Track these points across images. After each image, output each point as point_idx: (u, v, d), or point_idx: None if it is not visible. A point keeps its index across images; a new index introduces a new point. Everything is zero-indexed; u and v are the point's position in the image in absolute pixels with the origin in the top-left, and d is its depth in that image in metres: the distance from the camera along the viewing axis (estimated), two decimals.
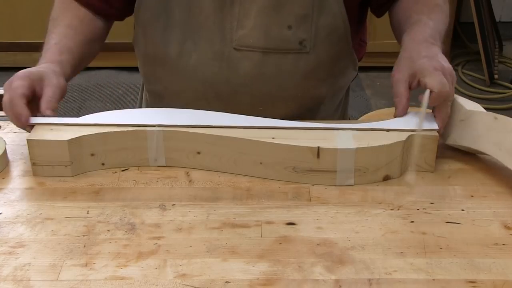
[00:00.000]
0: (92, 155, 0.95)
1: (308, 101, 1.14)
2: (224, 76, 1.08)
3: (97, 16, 1.12)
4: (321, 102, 1.17)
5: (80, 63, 1.09)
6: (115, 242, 0.82)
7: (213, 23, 1.05)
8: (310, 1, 1.03)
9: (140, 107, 1.27)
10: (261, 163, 0.94)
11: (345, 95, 1.27)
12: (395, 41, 1.09)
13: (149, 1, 1.08)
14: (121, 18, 1.17)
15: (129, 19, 1.17)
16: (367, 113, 1.76)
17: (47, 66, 1.01)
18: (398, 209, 0.88)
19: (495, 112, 0.97)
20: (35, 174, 0.95)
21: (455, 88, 0.97)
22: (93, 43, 1.12)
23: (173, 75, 1.12)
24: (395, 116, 0.96)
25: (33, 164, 0.94)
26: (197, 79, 1.10)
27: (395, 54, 1.01)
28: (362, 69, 3.04)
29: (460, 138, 0.97)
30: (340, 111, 1.27)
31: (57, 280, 0.75)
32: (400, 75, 0.95)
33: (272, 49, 1.06)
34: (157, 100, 1.21)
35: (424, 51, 0.97)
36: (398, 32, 1.09)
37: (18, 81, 0.95)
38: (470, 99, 1.01)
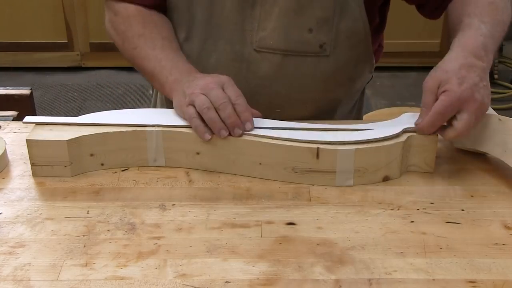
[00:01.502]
0: (92, 155, 0.95)
1: (326, 103, 1.14)
2: (243, 77, 1.08)
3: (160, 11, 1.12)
4: (338, 104, 1.17)
5: None
6: (115, 242, 0.82)
7: (234, 24, 1.06)
8: (331, 4, 1.03)
9: (155, 105, 1.26)
10: (260, 163, 0.94)
11: (360, 96, 1.27)
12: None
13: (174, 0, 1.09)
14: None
15: None
16: (367, 113, 1.76)
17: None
18: (398, 209, 0.88)
19: (495, 112, 0.97)
20: (34, 174, 0.95)
21: None
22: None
23: None
24: (415, 124, 0.93)
25: (33, 164, 0.94)
26: None
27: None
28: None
29: (467, 140, 0.98)
30: (355, 112, 1.27)
31: (57, 280, 0.75)
32: (431, 85, 0.91)
33: (292, 51, 1.06)
34: (165, 99, 1.21)
35: (464, 70, 0.90)
36: (451, 37, 1.03)
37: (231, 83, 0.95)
38: None
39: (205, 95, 0.92)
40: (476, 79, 0.89)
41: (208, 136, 0.92)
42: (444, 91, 0.89)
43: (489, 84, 0.92)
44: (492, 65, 3.20)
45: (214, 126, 0.92)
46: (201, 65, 1.09)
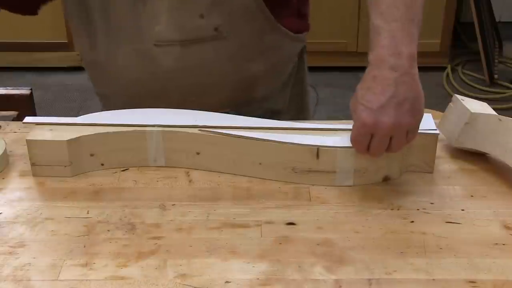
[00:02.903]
0: (92, 155, 0.95)
1: (241, 83, 1.13)
2: (149, 73, 1.08)
3: None
4: (259, 80, 1.15)
5: None
6: (115, 242, 0.82)
7: (130, 22, 1.05)
8: None
9: None
10: (260, 163, 0.94)
11: (297, 68, 1.24)
12: None
13: (72, 8, 1.09)
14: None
15: None
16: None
17: None
18: (398, 209, 0.88)
19: (494, 112, 0.97)
20: (34, 174, 0.95)
21: (456, 88, 0.95)
22: None
23: (106, 77, 1.14)
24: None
25: (33, 164, 0.94)
26: (126, 80, 1.11)
27: None
28: (351, 69, 3.08)
29: (466, 140, 0.97)
30: (293, 86, 1.23)
31: (57, 280, 0.75)
32: (351, 109, 0.88)
33: (190, 40, 1.05)
34: (103, 101, 1.23)
35: (370, 93, 0.85)
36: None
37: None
38: None
39: (390, 132, 0.85)
40: (381, 99, 0.83)
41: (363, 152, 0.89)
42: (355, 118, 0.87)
43: (412, 92, 0.84)
44: (492, 65, 3.18)
45: (374, 151, 0.88)
46: (110, 68, 1.10)
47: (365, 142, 0.86)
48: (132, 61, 1.08)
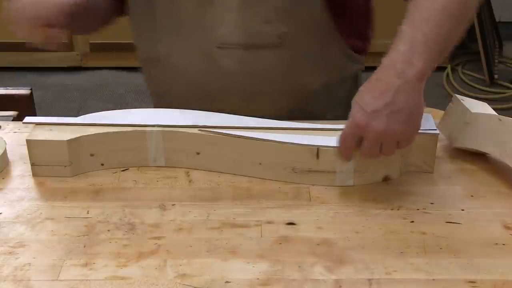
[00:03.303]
0: (92, 155, 0.95)
1: (297, 94, 1.13)
2: (210, 74, 1.08)
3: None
4: (313, 96, 1.15)
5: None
6: (115, 242, 0.82)
7: (195, 22, 1.06)
8: None
9: (155, 105, 1.27)
10: (260, 163, 0.94)
11: (351, 90, 1.25)
12: None
13: (137, 4, 1.09)
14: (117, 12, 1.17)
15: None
16: None
17: None
18: (398, 209, 0.88)
19: (494, 112, 0.97)
20: (34, 174, 0.95)
21: (456, 88, 0.94)
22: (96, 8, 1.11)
23: (165, 75, 1.13)
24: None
25: (33, 164, 0.94)
26: (186, 78, 1.10)
27: None
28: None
29: (466, 140, 0.97)
30: (345, 106, 1.25)
31: (57, 280, 0.75)
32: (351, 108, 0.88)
33: (253, 45, 1.05)
34: (156, 98, 1.22)
35: (369, 95, 0.84)
36: None
37: None
38: None
39: (380, 138, 0.85)
40: (377, 104, 0.82)
41: (347, 159, 0.90)
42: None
43: (411, 103, 0.83)
44: (492, 65, 3.17)
45: (365, 153, 0.87)
46: (171, 66, 1.09)
47: (351, 142, 0.86)
48: (193, 61, 1.08)
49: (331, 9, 1.05)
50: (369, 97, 0.84)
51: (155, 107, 1.24)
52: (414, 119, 0.85)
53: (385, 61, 0.86)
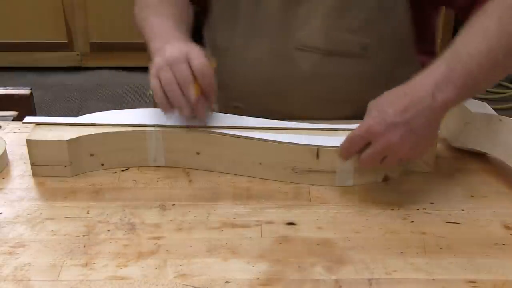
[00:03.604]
0: (92, 155, 0.95)
1: (362, 104, 1.12)
2: (284, 74, 1.08)
3: None
4: None
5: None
6: (115, 242, 0.82)
7: (278, 21, 1.06)
8: (376, 5, 1.01)
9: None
10: (260, 163, 0.94)
11: None
12: None
13: None
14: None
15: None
16: None
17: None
18: (398, 209, 0.88)
19: (494, 112, 0.97)
20: (34, 174, 0.95)
21: None
22: (189, 26, 1.11)
23: (236, 68, 1.13)
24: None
25: (33, 164, 0.94)
26: (258, 74, 1.11)
27: None
28: None
29: (467, 140, 0.97)
30: None
31: (57, 280, 0.75)
32: (368, 109, 0.88)
33: (333, 52, 1.05)
34: (221, 89, 1.20)
35: (390, 106, 0.84)
36: None
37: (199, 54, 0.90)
38: None
39: (171, 69, 0.89)
40: (397, 118, 0.82)
41: (168, 110, 0.91)
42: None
43: (426, 130, 0.83)
44: None
45: (175, 104, 0.90)
46: (241, 59, 1.10)
47: (358, 144, 0.86)
48: (268, 58, 1.08)
49: (414, 23, 1.04)
50: (392, 110, 0.83)
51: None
52: (423, 145, 0.85)
53: (419, 79, 0.86)
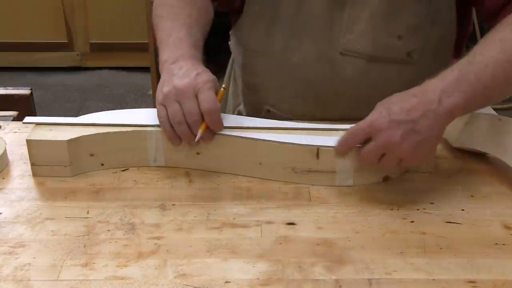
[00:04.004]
0: (92, 155, 0.95)
1: None
2: (325, 78, 1.07)
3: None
4: None
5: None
6: (115, 242, 0.82)
7: (321, 24, 1.04)
8: (423, 11, 1.00)
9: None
10: (260, 163, 0.94)
11: None
12: None
13: None
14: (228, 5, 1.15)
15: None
16: None
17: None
18: (398, 209, 0.88)
19: (494, 112, 0.97)
20: (34, 174, 0.95)
21: None
22: (207, 27, 1.08)
23: (274, 70, 1.11)
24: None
25: (33, 164, 0.94)
26: (297, 78, 1.09)
27: None
28: None
29: (466, 140, 0.97)
30: None
31: (57, 280, 0.75)
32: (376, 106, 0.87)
33: (378, 57, 1.04)
34: (252, 92, 1.19)
35: (397, 106, 0.85)
36: None
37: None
38: None
39: (179, 103, 0.89)
40: (401, 117, 0.83)
41: (177, 142, 0.92)
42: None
43: (429, 132, 0.83)
44: None
45: (183, 138, 0.91)
46: (283, 62, 1.08)
47: (359, 138, 0.86)
48: (310, 62, 1.06)
49: (459, 28, 1.03)
50: (398, 107, 0.84)
51: (244, 99, 1.22)
52: (426, 147, 0.85)
53: (430, 82, 0.86)
